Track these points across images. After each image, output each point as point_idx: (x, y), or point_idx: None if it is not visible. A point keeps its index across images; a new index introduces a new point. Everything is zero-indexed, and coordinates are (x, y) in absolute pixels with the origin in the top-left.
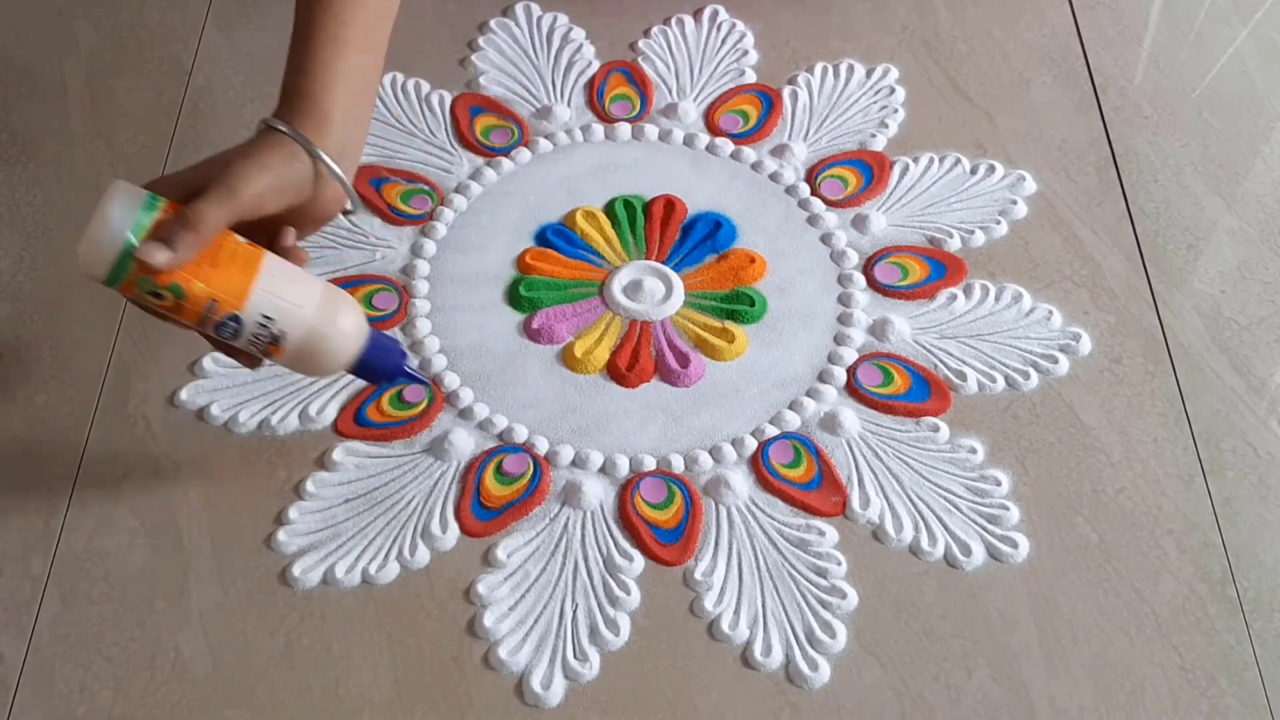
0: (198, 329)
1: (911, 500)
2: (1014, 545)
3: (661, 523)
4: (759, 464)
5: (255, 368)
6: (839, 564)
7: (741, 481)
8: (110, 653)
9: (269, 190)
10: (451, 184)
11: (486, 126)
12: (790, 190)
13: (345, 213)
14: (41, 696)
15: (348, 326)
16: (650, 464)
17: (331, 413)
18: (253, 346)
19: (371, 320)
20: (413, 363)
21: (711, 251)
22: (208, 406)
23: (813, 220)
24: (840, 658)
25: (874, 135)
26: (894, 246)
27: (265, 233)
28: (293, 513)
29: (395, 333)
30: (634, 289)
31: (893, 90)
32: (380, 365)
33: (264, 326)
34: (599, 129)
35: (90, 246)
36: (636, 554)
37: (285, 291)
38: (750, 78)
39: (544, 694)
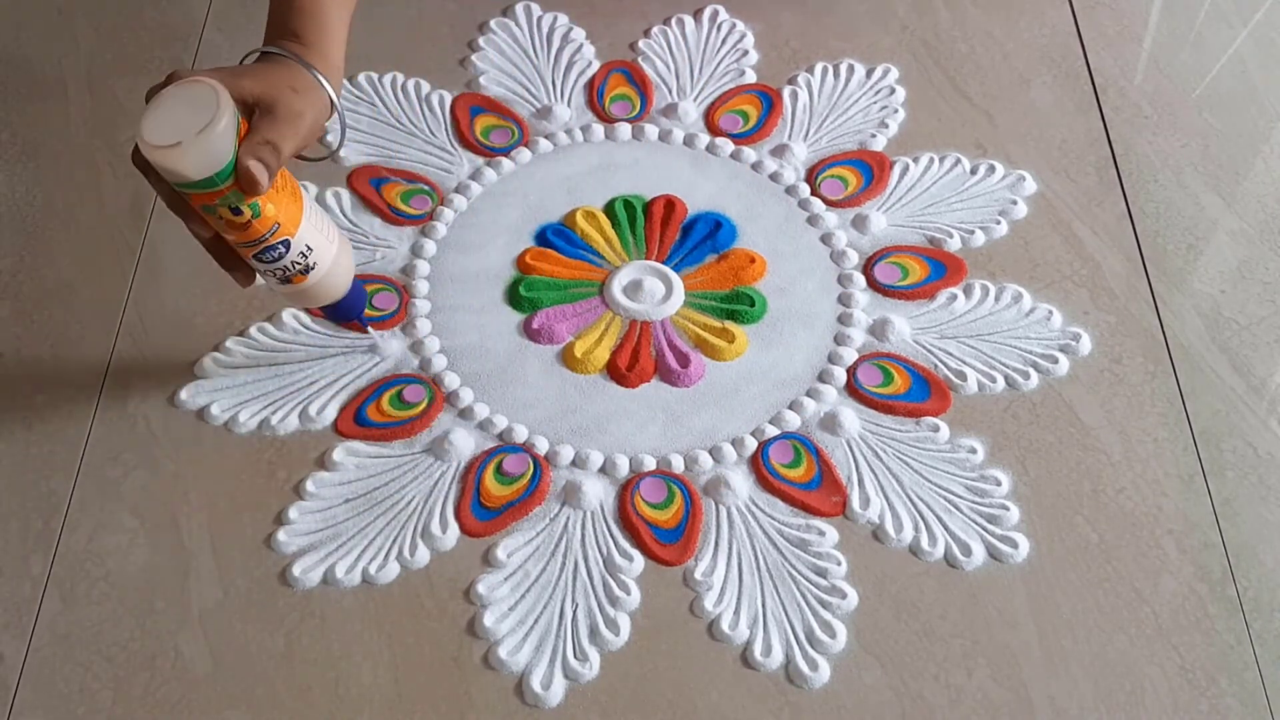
0: (239, 244)
1: (911, 500)
2: (1014, 545)
3: (661, 523)
4: (759, 464)
5: (247, 285)
6: (839, 564)
7: (741, 481)
8: (110, 653)
9: (312, 128)
10: (451, 184)
11: (486, 126)
12: (790, 190)
13: (307, 158)
14: (41, 696)
15: (351, 267)
16: (650, 464)
17: (331, 413)
18: (284, 271)
19: (372, 320)
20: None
21: (711, 251)
22: (208, 406)
23: (813, 220)
24: (840, 658)
25: (874, 135)
26: (894, 246)
27: None
28: (293, 513)
29: (395, 332)
30: (634, 289)
31: (893, 90)
32: (353, 307)
33: (304, 255)
34: (599, 129)
35: (203, 149)
36: (636, 554)
37: (322, 226)
38: (750, 78)
39: (544, 694)
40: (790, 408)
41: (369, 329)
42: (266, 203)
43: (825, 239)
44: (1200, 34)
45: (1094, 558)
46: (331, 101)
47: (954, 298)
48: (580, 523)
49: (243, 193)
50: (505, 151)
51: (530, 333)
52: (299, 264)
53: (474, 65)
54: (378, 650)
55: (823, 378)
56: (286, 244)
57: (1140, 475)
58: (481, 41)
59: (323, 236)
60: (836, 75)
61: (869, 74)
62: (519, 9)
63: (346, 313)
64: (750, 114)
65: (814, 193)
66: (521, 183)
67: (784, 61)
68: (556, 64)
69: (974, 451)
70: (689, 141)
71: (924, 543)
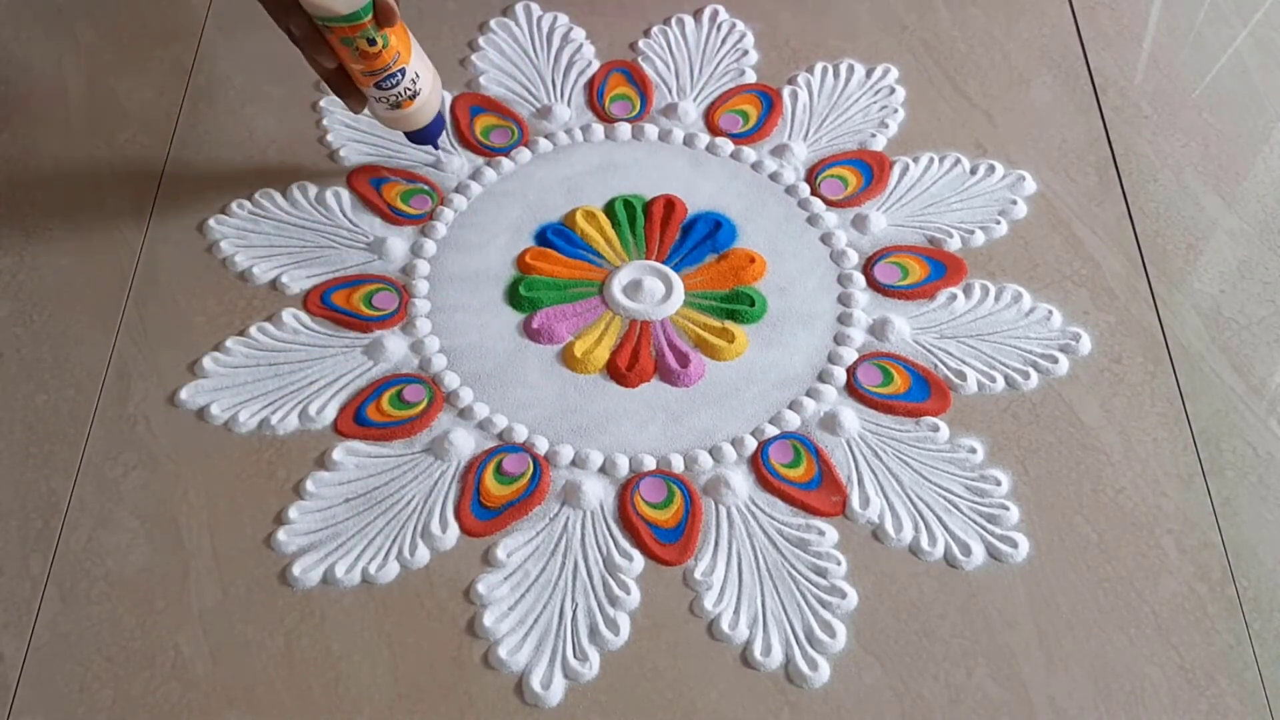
0: (366, 73)
1: (911, 500)
2: (1014, 545)
3: (661, 522)
4: (759, 464)
5: (359, 110)
6: (839, 564)
7: (741, 481)
8: (110, 653)
9: None
10: (451, 184)
11: (486, 126)
12: (790, 190)
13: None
14: (41, 696)
15: (440, 97)
16: (650, 464)
17: (331, 412)
18: (397, 96)
19: (371, 320)
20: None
21: (711, 251)
22: (208, 406)
23: (813, 220)
24: (840, 658)
25: (874, 135)
26: (894, 246)
27: None
28: (293, 512)
29: (395, 332)
30: (634, 289)
31: (893, 90)
32: (434, 132)
33: (414, 82)
34: (599, 129)
35: None
36: (636, 554)
37: (423, 59)
38: (750, 78)
39: (544, 694)
40: (790, 407)
41: (438, 148)
42: (391, 34)
43: (825, 239)
44: (1200, 34)
45: (1094, 557)
46: None
47: (954, 297)
48: (580, 522)
49: (379, 25)
50: (505, 151)
51: (530, 332)
52: (409, 90)
53: (474, 65)
54: (377, 650)
55: (822, 377)
56: (403, 71)
57: (1140, 475)
58: (481, 41)
59: (425, 65)
60: (836, 75)
61: (869, 74)
62: (519, 9)
63: (431, 136)
64: (750, 114)
65: (814, 192)
66: (521, 182)
67: (784, 61)
68: (556, 64)
69: (974, 451)
70: (689, 141)
71: (924, 542)
